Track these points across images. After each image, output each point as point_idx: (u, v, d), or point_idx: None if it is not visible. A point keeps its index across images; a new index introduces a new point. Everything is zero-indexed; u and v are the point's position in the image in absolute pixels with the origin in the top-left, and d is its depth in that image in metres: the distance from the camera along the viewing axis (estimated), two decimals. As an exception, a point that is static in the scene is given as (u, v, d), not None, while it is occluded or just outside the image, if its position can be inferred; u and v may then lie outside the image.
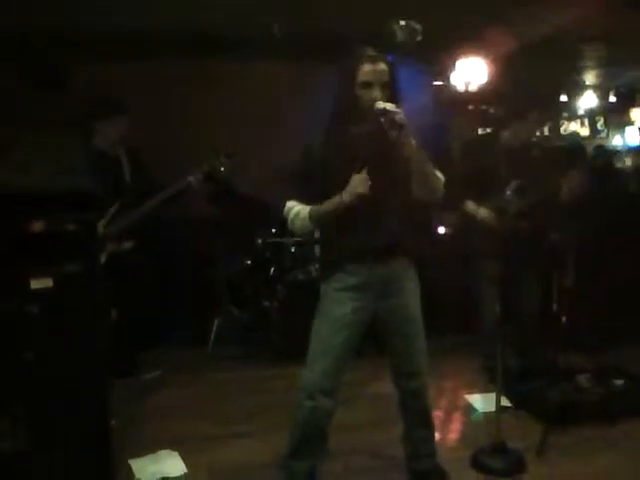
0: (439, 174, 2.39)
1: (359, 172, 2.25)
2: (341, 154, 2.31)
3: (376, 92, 2.24)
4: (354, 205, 2.25)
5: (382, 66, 2.28)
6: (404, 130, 2.17)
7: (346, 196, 2.25)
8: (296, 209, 2.39)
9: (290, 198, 2.44)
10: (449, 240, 4.84)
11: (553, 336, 3.88)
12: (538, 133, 6.97)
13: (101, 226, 3.59)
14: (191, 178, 3.79)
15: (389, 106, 2.17)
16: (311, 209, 2.35)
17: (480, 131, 5.79)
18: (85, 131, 3.76)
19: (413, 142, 2.22)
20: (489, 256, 3.47)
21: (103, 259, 3.60)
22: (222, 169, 3.88)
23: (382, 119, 2.18)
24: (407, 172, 2.31)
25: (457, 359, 4.22)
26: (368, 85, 2.25)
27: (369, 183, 2.23)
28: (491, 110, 3.99)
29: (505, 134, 3.73)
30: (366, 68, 2.26)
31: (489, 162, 3.59)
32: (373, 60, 2.26)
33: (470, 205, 3.64)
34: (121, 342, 3.66)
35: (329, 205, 2.31)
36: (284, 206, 2.46)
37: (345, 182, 2.26)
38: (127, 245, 3.76)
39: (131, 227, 3.72)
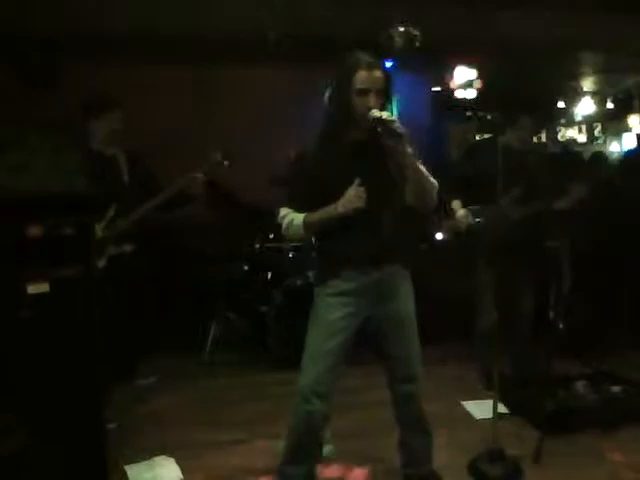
0: (433, 181, 2.39)
1: (355, 183, 2.25)
2: (335, 161, 2.31)
3: (372, 99, 2.24)
4: (348, 216, 2.26)
5: (378, 73, 2.27)
6: (401, 139, 2.17)
7: (341, 208, 2.26)
8: (290, 216, 2.40)
9: (284, 204, 2.45)
10: (447, 246, 4.85)
11: (550, 342, 3.88)
12: (535, 139, 7.00)
13: (99, 229, 3.52)
14: (193, 176, 3.71)
15: (385, 115, 2.18)
16: (305, 217, 2.35)
17: (478, 137, 5.81)
18: (81, 132, 3.74)
19: (409, 150, 2.23)
20: (486, 262, 3.47)
21: (103, 263, 3.54)
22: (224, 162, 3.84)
23: (379, 128, 2.18)
24: (401, 179, 2.32)
25: (454, 366, 4.21)
26: (364, 92, 2.25)
27: (364, 196, 2.24)
28: (488, 116, 4.00)
29: (502, 139, 3.75)
30: (362, 75, 2.25)
31: (490, 167, 3.60)
32: (369, 67, 2.26)
33: (455, 204, 3.64)
34: (119, 347, 3.66)
35: (323, 214, 2.32)
36: (278, 212, 2.46)
37: (338, 189, 2.27)
38: (128, 248, 3.68)
39: (131, 229, 3.63)
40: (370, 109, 2.21)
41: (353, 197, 2.24)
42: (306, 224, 2.36)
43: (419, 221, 3.80)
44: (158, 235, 4.07)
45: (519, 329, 3.73)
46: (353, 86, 2.25)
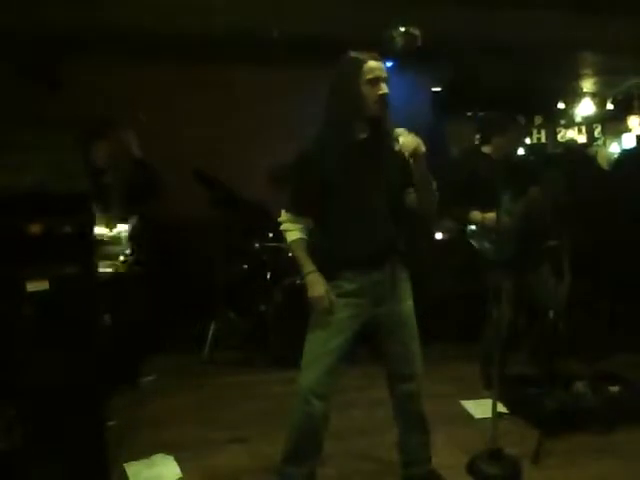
0: (434, 189, 2.44)
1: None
2: (336, 161, 2.30)
3: (383, 86, 2.27)
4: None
5: (381, 64, 2.31)
6: (422, 157, 2.24)
7: (309, 294, 2.39)
8: (284, 227, 2.44)
9: (285, 206, 2.45)
10: (448, 246, 4.85)
11: (550, 342, 3.88)
12: (535, 139, 7.02)
13: (131, 227, 3.88)
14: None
15: (410, 142, 2.21)
16: (291, 242, 2.42)
17: (477, 137, 5.80)
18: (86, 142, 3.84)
19: (424, 166, 2.30)
20: (495, 264, 3.47)
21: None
22: None
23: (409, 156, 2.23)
24: (401, 182, 2.38)
25: (454, 365, 4.22)
26: (375, 80, 2.27)
27: (328, 306, 2.34)
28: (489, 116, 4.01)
29: (486, 148, 3.78)
30: (372, 64, 2.28)
31: (486, 171, 3.61)
32: (375, 57, 2.30)
33: (475, 215, 3.63)
34: (120, 347, 3.68)
35: (301, 263, 2.40)
36: (280, 214, 2.47)
37: (337, 190, 2.29)
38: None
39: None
40: (383, 95, 2.25)
41: (321, 301, 2.35)
42: (290, 249, 2.51)
43: (419, 221, 3.79)
44: (158, 235, 4.08)
45: (548, 325, 3.73)
46: (363, 77, 2.26)
